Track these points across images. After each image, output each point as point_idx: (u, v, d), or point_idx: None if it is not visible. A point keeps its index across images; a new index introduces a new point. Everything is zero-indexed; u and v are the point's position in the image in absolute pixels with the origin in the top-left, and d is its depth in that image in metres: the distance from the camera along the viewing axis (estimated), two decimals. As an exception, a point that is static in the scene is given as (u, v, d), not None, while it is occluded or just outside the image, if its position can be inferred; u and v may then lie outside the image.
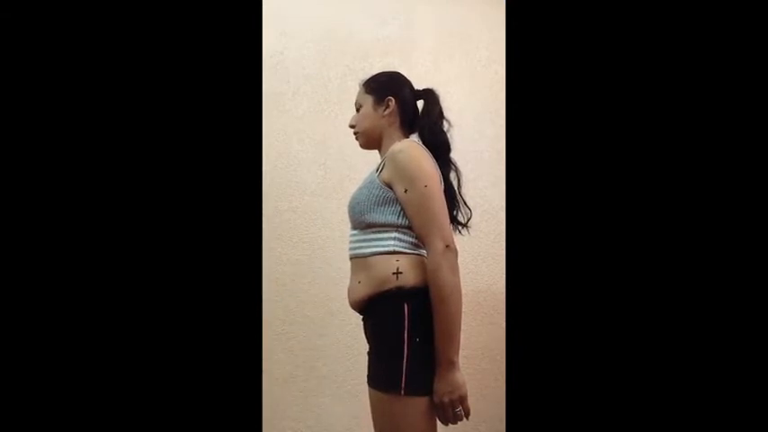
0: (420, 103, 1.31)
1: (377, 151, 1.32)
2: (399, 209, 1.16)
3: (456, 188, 1.28)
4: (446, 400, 1.07)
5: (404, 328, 1.09)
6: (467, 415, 1.10)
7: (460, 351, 1.12)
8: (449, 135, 1.28)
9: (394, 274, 1.13)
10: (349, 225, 1.27)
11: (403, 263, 1.14)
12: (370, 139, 1.31)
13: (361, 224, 1.20)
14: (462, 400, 1.09)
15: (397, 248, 1.15)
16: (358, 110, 1.32)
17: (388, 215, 1.16)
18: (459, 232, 1.30)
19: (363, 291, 1.16)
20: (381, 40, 2.17)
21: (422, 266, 1.13)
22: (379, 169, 1.21)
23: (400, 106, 1.28)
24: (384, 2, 2.21)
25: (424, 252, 1.15)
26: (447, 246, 1.10)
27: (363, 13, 2.17)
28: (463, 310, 1.11)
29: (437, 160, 1.22)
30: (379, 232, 1.17)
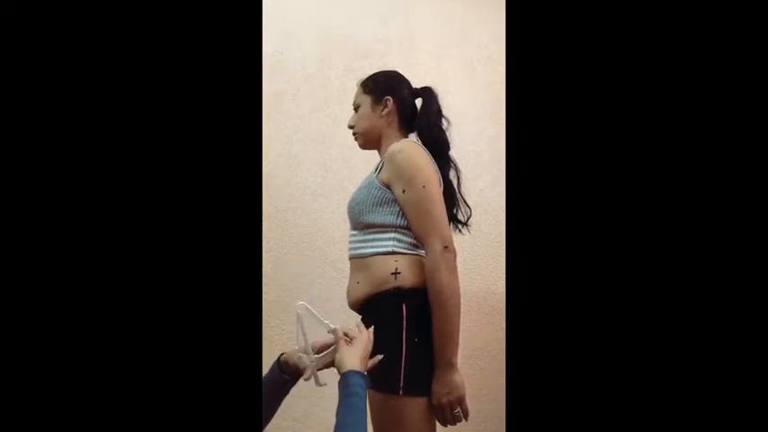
0: (419, 102, 1.31)
1: (376, 151, 1.32)
2: (398, 209, 1.16)
3: (455, 187, 1.28)
4: (445, 401, 1.07)
5: (402, 329, 1.09)
6: (465, 416, 1.10)
7: (460, 351, 1.12)
8: (448, 134, 1.27)
9: (392, 274, 1.12)
10: (349, 225, 1.27)
11: (401, 263, 1.13)
12: (369, 140, 1.30)
13: (360, 224, 1.20)
14: (461, 400, 1.09)
15: (395, 249, 1.15)
16: (356, 110, 1.32)
17: (387, 215, 1.16)
18: (459, 231, 1.29)
19: (362, 291, 1.16)
20: (381, 40, 2.17)
21: (420, 267, 1.13)
22: (378, 169, 1.21)
23: (399, 106, 1.27)
24: (384, 2, 2.21)
25: (422, 252, 1.15)
26: (445, 246, 1.10)
27: (363, 13, 2.17)
28: (463, 310, 1.11)
29: (436, 159, 1.21)
30: (378, 233, 1.17)
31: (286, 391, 1.03)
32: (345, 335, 0.98)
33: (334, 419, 0.84)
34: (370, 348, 0.97)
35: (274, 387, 1.01)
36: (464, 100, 2.19)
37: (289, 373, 1.01)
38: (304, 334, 1.00)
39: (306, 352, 0.99)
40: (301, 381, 1.02)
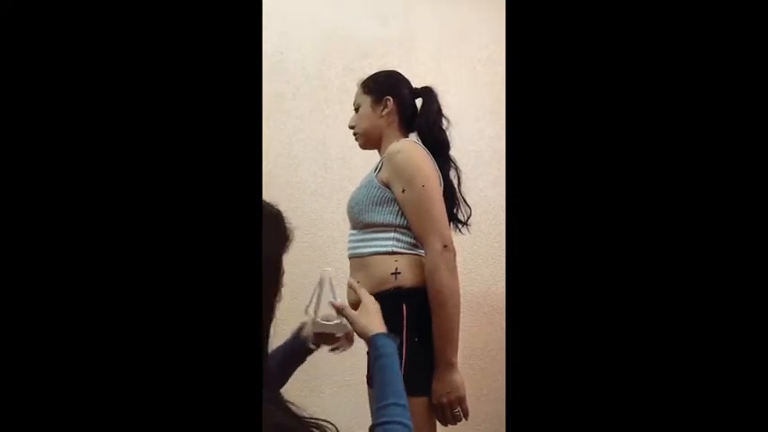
0: (419, 102, 1.31)
1: (376, 151, 1.32)
2: (398, 209, 1.16)
3: (456, 186, 1.28)
4: (445, 400, 1.07)
5: (402, 329, 1.09)
6: (465, 416, 1.10)
7: (460, 351, 1.12)
8: (448, 133, 1.27)
9: (392, 274, 1.12)
10: (349, 225, 1.27)
11: (401, 263, 1.13)
12: (369, 140, 1.30)
13: (360, 224, 1.20)
14: (461, 400, 1.09)
15: (395, 248, 1.15)
16: (356, 110, 1.32)
17: (387, 215, 1.16)
18: (459, 231, 1.29)
19: (362, 290, 1.16)
20: (381, 40, 2.17)
21: (420, 266, 1.13)
22: (378, 169, 1.21)
23: (399, 106, 1.27)
24: (384, 2, 2.21)
25: (422, 252, 1.15)
26: (445, 246, 1.10)
27: (363, 13, 2.17)
28: (463, 310, 1.11)
29: (436, 159, 1.21)
30: (377, 232, 1.17)
31: (303, 359, 1.07)
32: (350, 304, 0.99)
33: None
34: (379, 308, 0.96)
35: (294, 354, 1.07)
36: (464, 100, 2.19)
37: (313, 342, 1.05)
38: (318, 298, 1.00)
39: (308, 312, 1.01)
40: (297, 376, 1.04)
